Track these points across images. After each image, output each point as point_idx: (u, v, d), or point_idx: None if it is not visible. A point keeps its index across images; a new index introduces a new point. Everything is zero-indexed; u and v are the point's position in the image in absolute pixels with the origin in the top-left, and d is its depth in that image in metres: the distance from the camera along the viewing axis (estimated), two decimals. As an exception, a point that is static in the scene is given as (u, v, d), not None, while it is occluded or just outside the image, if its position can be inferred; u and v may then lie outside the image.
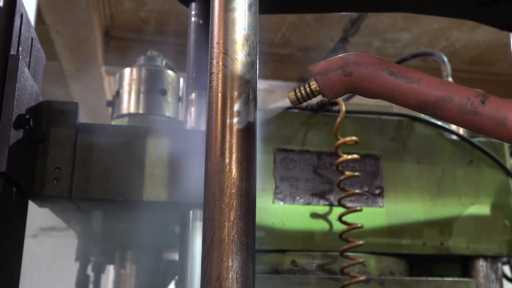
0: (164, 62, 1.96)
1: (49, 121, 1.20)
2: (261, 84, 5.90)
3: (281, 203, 1.71)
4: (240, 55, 0.93)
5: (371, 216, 1.75)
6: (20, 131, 1.03)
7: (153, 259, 1.74)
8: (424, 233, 1.79)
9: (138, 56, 1.97)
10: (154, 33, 5.99)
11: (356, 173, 1.67)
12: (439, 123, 1.89)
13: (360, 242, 1.61)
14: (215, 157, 0.90)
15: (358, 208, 1.65)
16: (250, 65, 0.94)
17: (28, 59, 1.15)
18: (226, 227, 0.86)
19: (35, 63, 1.21)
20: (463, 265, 1.89)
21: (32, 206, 1.20)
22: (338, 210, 1.69)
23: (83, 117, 1.30)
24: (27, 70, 1.07)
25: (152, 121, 1.78)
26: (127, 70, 1.85)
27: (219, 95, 0.92)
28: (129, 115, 1.81)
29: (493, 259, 1.86)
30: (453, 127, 1.91)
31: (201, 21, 1.45)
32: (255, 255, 0.90)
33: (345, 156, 1.64)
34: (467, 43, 6.24)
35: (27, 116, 1.04)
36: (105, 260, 2.07)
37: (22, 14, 1.09)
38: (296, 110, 1.80)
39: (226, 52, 0.93)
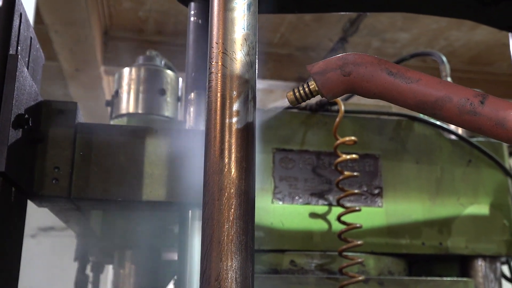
0: (163, 62, 1.96)
1: (48, 120, 1.19)
2: (260, 84, 5.90)
3: (280, 203, 1.71)
4: (239, 55, 0.93)
5: (370, 216, 1.75)
6: (19, 131, 1.03)
7: (152, 259, 1.74)
8: (423, 233, 1.79)
9: (137, 56, 1.97)
10: (153, 33, 5.99)
11: (355, 173, 1.67)
12: (438, 123, 1.89)
13: (359, 242, 1.61)
14: (214, 157, 0.90)
15: (357, 208, 1.65)
16: (249, 64, 0.94)
17: (27, 59, 1.15)
18: (225, 227, 0.86)
19: (34, 62, 1.21)
20: (462, 265, 1.89)
21: (31, 206, 1.20)
22: (337, 210, 1.69)
23: (82, 117, 1.30)
24: (26, 70, 1.07)
25: (151, 121, 1.78)
26: (126, 70, 1.85)
27: (218, 94, 0.92)
28: (128, 115, 1.81)
29: (492, 259, 1.86)
30: (452, 127, 1.91)
31: (200, 21, 1.45)
32: (254, 255, 0.90)
33: (344, 156, 1.64)
34: (466, 43, 6.24)
35: (26, 115, 1.04)
36: (104, 260, 2.07)
37: (21, 14, 1.09)
38: (295, 110, 1.80)
39: (225, 52, 0.93)
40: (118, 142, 1.24)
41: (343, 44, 5.88)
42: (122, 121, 1.81)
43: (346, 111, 1.73)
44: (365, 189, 1.78)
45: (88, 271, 2.04)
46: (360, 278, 1.59)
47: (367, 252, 1.72)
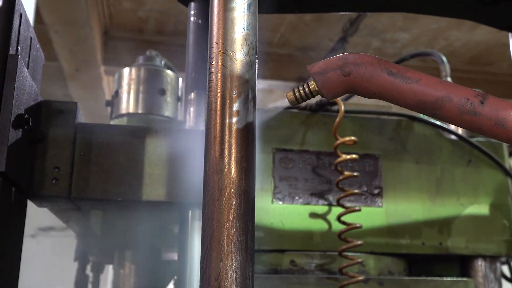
0: (163, 62, 1.96)
1: (48, 120, 1.19)
2: (260, 84, 5.90)
3: (280, 203, 1.71)
4: (239, 55, 0.93)
5: (370, 216, 1.75)
6: (19, 131, 1.03)
7: (152, 259, 1.74)
8: (423, 233, 1.79)
9: (137, 56, 1.97)
10: (153, 33, 5.99)
11: (355, 173, 1.67)
12: (438, 123, 1.89)
13: (359, 242, 1.61)
14: (214, 156, 0.90)
15: (357, 208, 1.65)
16: (249, 64, 0.94)
17: (27, 59, 1.15)
18: (225, 227, 0.86)
19: (34, 62, 1.21)
20: (462, 265, 1.89)
21: (30, 206, 1.20)
22: (337, 210, 1.69)
23: (82, 117, 1.30)
24: (26, 70, 1.07)
25: (151, 121, 1.78)
26: (126, 70, 1.85)
27: (218, 94, 0.92)
28: (128, 114, 1.81)
29: (492, 259, 1.86)
30: (452, 127, 1.91)
31: (200, 21, 1.45)
32: (254, 255, 0.90)
33: (344, 156, 1.64)
34: (466, 43, 6.25)
35: (26, 115, 1.04)
36: (104, 260, 2.07)
37: (21, 14, 1.09)
38: (295, 110, 1.80)
39: (225, 52, 0.93)
40: (118, 142, 1.24)
41: (343, 44, 5.89)
42: (122, 121, 1.81)
43: (346, 111, 1.73)
44: (365, 189, 1.78)
45: (88, 271, 2.04)
46: (360, 278, 1.59)
47: (367, 252, 1.72)
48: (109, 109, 1.92)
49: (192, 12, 1.47)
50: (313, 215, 1.72)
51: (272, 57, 6.18)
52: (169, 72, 1.87)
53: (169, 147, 1.25)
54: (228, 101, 0.91)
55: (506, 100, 0.84)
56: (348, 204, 1.69)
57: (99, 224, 1.68)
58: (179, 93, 1.90)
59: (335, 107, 1.81)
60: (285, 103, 0.99)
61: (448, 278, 1.78)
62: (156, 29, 5.95)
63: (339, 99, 1.69)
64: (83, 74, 5.71)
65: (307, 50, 6.34)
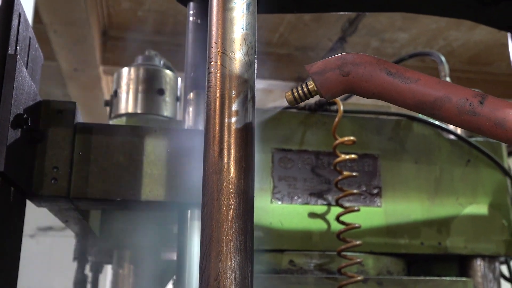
0: (162, 62, 1.96)
1: (47, 120, 1.19)
2: (259, 84, 5.90)
3: (279, 202, 1.71)
4: (238, 55, 0.93)
5: (369, 215, 1.75)
6: (18, 131, 1.03)
7: (151, 259, 1.74)
8: (422, 232, 1.79)
9: (136, 56, 1.96)
10: (152, 33, 5.99)
11: (354, 173, 1.67)
12: (437, 123, 1.89)
13: (358, 242, 1.61)
14: (213, 156, 0.90)
15: (356, 208, 1.65)
16: (248, 64, 0.94)
17: (26, 59, 1.15)
18: (224, 227, 0.86)
19: (33, 62, 1.21)
20: (461, 264, 1.89)
21: (29, 206, 1.19)
22: (336, 210, 1.69)
23: (81, 117, 1.30)
24: (25, 70, 1.07)
25: (150, 121, 1.78)
26: (125, 70, 1.85)
27: (217, 94, 0.92)
28: (127, 114, 1.81)
29: (491, 258, 1.86)
30: (451, 127, 1.91)
31: (199, 21, 1.45)
32: (253, 254, 0.90)
33: (343, 156, 1.64)
34: (465, 43, 6.25)
35: (25, 115, 1.04)
36: (103, 259, 2.07)
37: (20, 14, 1.09)
38: (294, 110, 1.80)
39: (224, 51, 0.93)
40: (117, 142, 1.24)
41: (342, 44, 5.89)
42: (121, 121, 1.81)
43: (345, 111, 1.73)
44: (364, 189, 1.78)
45: (87, 271, 2.04)
46: (359, 278, 1.59)
47: (366, 252, 1.72)
48: (108, 109, 1.92)
49: (191, 12, 1.47)
50: (312, 215, 1.72)
51: (271, 57, 6.18)
52: (168, 72, 1.87)
53: (168, 147, 1.25)
54: (227, 101, 0.91)
55: (505, 100, 0.84)
56: (347, 204, 1.69)
57: (98, 224, 1.68)
58: (178, 93, 1.90)
59: (334, 107, 1.81)
60: (284, 103, 0.99)
61: (447, 278, 1.79)
62: (155, 29, 5.95)
63: (338, 99, 1.69)
64: (82, 74, 5.71)
65: (306, 50, 6.34)
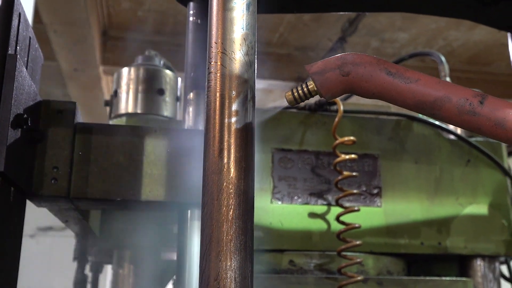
0: (162, 62, 1.96)
1: (47, 120, 1.19)
2: (259, 84, 5.90)
3: (279, 202, 1.71)
4: (238, 55, 0.93)
5: (369, 215, 1.75)
6: (18, 131, 1.03)
7: (151, 259, 1.74)
8: (422, 232, 1.79)
9: (136, 56, 1.96)
10: (152, 33, 5.99)
11: (354, 173, 1.67)
12: (437, 123, 1.89)
13: (358, 242, 1.61)
14: (213, 156, 0.90)
15: (356, 208, 1.65)
16: (248, 64, 0.94)
17: (26, 59, 1.15)
18: (224, 227, 0.86)
19: (33, 62, 1.21)
20: (461, 264, 1.89)
21: (29, 206, 1.19)
22: (336, 210, 1.69)
23: (81, 117, 1.30)
24: (25, 70, 1.07)
25: (150, 121, 1.78)
26: (125, 70, 1.85)
27: (217, 94, 0.92)
28: (127, 114, 1.81)
29: (491, 258, 1.86)
30: (451, 126, 1.91)
31: (199, 21, 1.45)
32: (253, 254, 0.90)
33: (343, 156, 1.64)
34: (464, 43, 6.25)
35: (25, 115, 1.04)
36: (103, 259, 2.07)
37: (20, 14, 1.09)
38: (294, 110, 1.80)
39: (224, 51, 0.93)
40: (117, 142, 1.24)
41: (342, 44, 5.89)
42: (121, 121, 1.81)
43: (345, 111, 1.73)
44: (364, 189, 1.78)
45: (87, 271, 2.04)
46: (359, 278, 1.59)
47: (366, 252, 1.72)
48: (108, 109, 1.92)
49: (191, 12, 1.47)
50: (312, 215, 1.72)
51: (271, 57, 6.18)
52: (168, 72, 1.87)
53: (168, 147, 1.25)
54: (227, 101, 0.91)
55: (505, 100, 0.84)
56: (347, 204, 1.69)
57: (98, 224, 1.68)
58: (178, 93, 1.90)
59: (334, 107, 1.81)
60: (284, 103, 0.98)
61: (447, 278, 1.79)
62: (155, 29, 5.95)
63: (338, 99, 1.69)
64: (82, 74, 5.71)
65: (306, 50, 6.34)
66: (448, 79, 2.09)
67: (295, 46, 6.29)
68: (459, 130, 1.93)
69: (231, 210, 0.87)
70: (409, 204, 1.80)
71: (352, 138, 1.64)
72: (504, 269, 2.02)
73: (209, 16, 0.97)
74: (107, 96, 5.94)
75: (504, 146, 1.98)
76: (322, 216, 1.73)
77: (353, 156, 1.65)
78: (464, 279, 1.79)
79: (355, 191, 1.69)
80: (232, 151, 0.89)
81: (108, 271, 2.12)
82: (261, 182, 1.70)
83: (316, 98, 1.50)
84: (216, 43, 0.94)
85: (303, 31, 5.98)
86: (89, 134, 1.23)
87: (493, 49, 6.31)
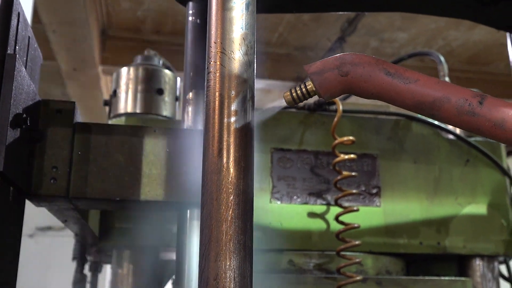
0: (161, 62, 1.96)
1: (46, 120, 1.19)
2: (258, 84, 5.90)
3: (278, 202, 1.71)
4: (237, 54, 0.93)
5: (368, 215, 1.76)
6: (17, 130, 1.03)
7: (150, 259, 1.74)
8: (421, 232, 1.79)
9: (135, 56, 1.96)
10: (151, 33, 5.99)
11: (353, 173, 1.67)
12: (436, 122, 1.90)
13: (357, 242, 1.61)
14: (212, 156, 0.90)
15: (355, 208, 1.65)
16: (247, 64, 0.94)
17: (25, 58, 1.15)
18: (224, 227, 0.86)
19: (32, 62, 1.21)
20: (460, 264, 1.89)
21: (28, 206, 1.19)
22: (335, 210, 1.69)
23: (80, 117, 1.30)
24: (24, 69, 1.07)
25: (149, 121, 1.78)
26: (124, 70, 1.85)
27: (217, 94, 0.92)
28: (126, 114, 1.81)
29: (490, 258, 1.86)
30: (450, 126, 1.91)
31: (198, 21, 1.45)
32: (253, 254, 0.90)
33: (342, 156, 1.64)
34: (464, 42, 6.25)
35: (24, 115, 1.04)
36: (102, 259, 2.07)
37: (19, 13, 1.09)
38: (293, 110, 1.80)
39: (224, 51, 0.93)
40: (116, 141, 1.24)
41: (341, 44, 5.89)
42: (120, 121, 1.81)
43: (344, 111, 1.73)
44: (363, 188, 1.78)
45: (86, 270, 2.04)
46: (358, 278, 1.59)
47: (365, 251, 1.72)
48: (107, 108, 1.92)
49: (190, 12, 1.47)
50: (311, 215, 1.72)
51: (270, 56, 6.18)
52: (167, 71, 1.87)
53: (168, 146, 1.25)
54: (226, 101, 0.91)
55: (505, 101, 0.84)
56: (346, 204, 1.69)
57: (97, 224, 1.68)
58: (177, 93, 1.90)
59: (333, 107, 1.81)
60: (282, 103, 0.98)
61: (446, 278, 1.79)
62: (154, 29, 5.94)
63: (337, 99, 1.69)
64: (81, 73, 5.71)
65: (305, 49, 6.34)
66: (447, 79, 2.09)
67: (294, 46, 6.29)
68: (458, 130, 1.94)
69: (231, 210, 0.87)
70: (408, 204, 1.81)
71: (351, 138, 1.65)
72: (503, 268, 2.02)
73: (208, 15, 0.97)
74: (106, 96, 5.94)
75: (503, 146, 1.98)
76: (321, 216, 1.73)
77: (352, 156, 1.65)
78: (463, 278, 1.80)
79: (354, 191, 1.70)
80: (232, 150, 0.89)
81: (107, 271, 2.12)
82: (260, 182, 1.71)
83: (315, 97, 1.50)
84: (215, 42, 0.94)
85: (302, 31, 5.98)
86: (88, 133, 1.22)
87: (492, 49, 6.31)
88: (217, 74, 0.92)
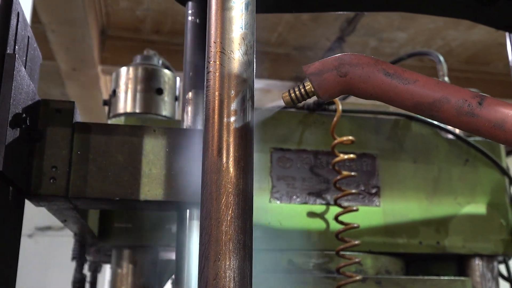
0: (160, 61, 1.96)
1: (45, 120, 1.19)
2: (258, 84, 5.90)
3: (278, 202, 1.71)
4: (237, 54, 0.93)
5: (367, 215, 1.76)
6: (16, 130, 1.03)
7: (150, 259, 1.74)
8: (420, 232, 1.79)
9: (134, 55, 1.96)
10: (151, 32, 5.98)
11: (353, 173, 1.67)
12: (435, 122, 1.90)
13: (356, 242, 1.61)
14: (212, 156, 0.90)
15: (355, 208, 1.65)
16: (247, 64, 0.94)
17: (24, 58, 1.15)
18: (223, 226, 0.86)
19: (32, 62, 1.21)
20: (459, 264, 1.89)
21: (27, 206, 1.19)
22: (335, 209, 1.69)
23: (79, 116, 1.30)
24: (23, 69, 1.07)
25: (148, 120, 1.78)
26: (123, 69, 1.85)
27: (216, 94, 0.92)
28: (126, 114, 1.81)
29: (489, 258, 1.87)
30: (449, 126, 1.91)
31: (198, 20, 1.45)
32: (252, 254, 0.90)
33: (341, 156, 1.64)
34: (463, 42, 6.25)
35: (24, 115, 1.04)
36: (101, 259, 2.06)
37: (18, 13, 1.09)
38: (293, 110, 1.80)
39: (223, 51, 0.93)
40: (116, 141, 1.24)
41: (340, 44, 5.89)
42: (120, 121, 1.81)
43: (343, 111, 1.73)
44: (362, 188, 1.78)
45: (86, 270, 2.04)
46: (358, 277, 1.59)
47: (365, 251, 1.73)
48: (106, 108, 1.92)
49: (190, 12, 1.47)
50: (311, 215, 1.72)
51: (270, 56, 6.18)
52: (166, 71, 1.87)
53: (167, 146, 1.25)
54: (226, 100, 0.91)
55: (504, 101, 0.84)
56: (345, 204, 1.69)
57: (96, 224, 1.68)
58: (177, 93, 1.90)
59: (333, 107, 1.81)
60: (281, 103, 0.98)
61: (446, 277, 1.79)
62: (153, 29, 5.94)
63: (336, 99, 1.69)
64: (81, 73, 5.70)
65: (304, 49, 6.34)
66: (446, 78, 2.10)
67: (293, 45, 6.29)
68: (457, 130, 1.94)
69: (230, 210, 0.87)
70: (408, 203, 1.81)
71: (350, 137, 1.65)
72: (502, 268, 2.02)
73: (208, 15, 0.97)
74: (105, 96, 5.94)
75: (502, 145, 1.98)
76: (320, 216, 1.73)
77: (351, 155, 1.65)
78: (462, 278, 1.80)
79: (353, 190, 1.70)
80: (231, 150, 0.89)
81: (106, 271, 2.12)
82: (259, 182, 1.71)
83: (315, 98, 1.50)
84: (215, 42, 0.94)
85: (301, 31, 5.98)
86: (88, 133, 1.23)
87: (491, 49, 6.31)
88: (217, 73, 0.92)
